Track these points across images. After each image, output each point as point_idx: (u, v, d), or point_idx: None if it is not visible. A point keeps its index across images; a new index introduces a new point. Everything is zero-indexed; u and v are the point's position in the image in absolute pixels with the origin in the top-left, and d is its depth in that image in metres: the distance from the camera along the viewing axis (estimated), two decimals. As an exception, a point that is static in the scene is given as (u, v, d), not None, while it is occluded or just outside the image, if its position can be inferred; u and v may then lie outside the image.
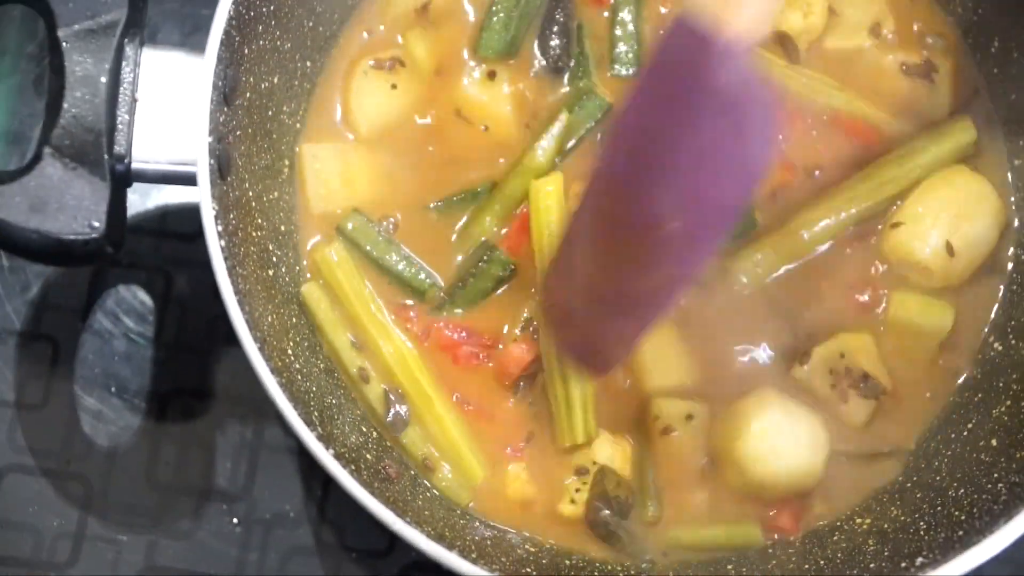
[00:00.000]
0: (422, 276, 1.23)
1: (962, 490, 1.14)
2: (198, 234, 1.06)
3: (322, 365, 1.19)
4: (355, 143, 1.27)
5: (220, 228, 1.06)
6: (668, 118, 1.02)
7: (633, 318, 1.12)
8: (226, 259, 1.05)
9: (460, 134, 1.26)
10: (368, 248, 1.23)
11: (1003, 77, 1.26)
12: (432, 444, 1.19)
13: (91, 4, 1.08)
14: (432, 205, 1.25)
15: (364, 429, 1.18)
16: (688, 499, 1.19)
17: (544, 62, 1.28)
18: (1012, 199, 1.25)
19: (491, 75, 1.27)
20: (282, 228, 1.22)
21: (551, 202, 1.20)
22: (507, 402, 1.21)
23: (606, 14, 1.29)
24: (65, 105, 1.07)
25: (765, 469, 1.15)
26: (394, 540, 1.24)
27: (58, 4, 1.08)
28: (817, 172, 1.25)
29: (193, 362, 1.32)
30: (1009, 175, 1.25)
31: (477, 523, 1.17)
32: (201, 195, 1.06)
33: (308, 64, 1.25)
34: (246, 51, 1.13)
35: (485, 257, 1.22)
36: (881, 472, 1.20)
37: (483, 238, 1.24)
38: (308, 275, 1.23)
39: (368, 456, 1.14)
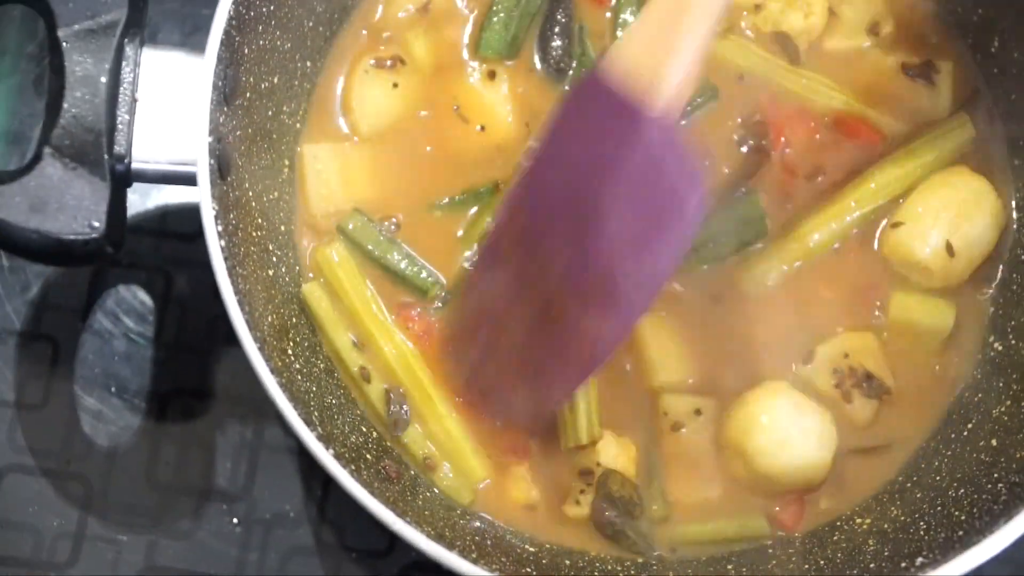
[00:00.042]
0: (424, 275, 1.23)
1: (962, 490, 1.14)
2: (198, 234, 1.06)
3: (322, 365, 1.19)
4: (355, 142, 1.27)
5: (220, 228, 1.06)
6: (584, 176, 1.04)
7: (554, 379, 1.13)
8: (226, 259, 1.05)
9: (459, 133, 1.26)
10: (370, 248, 1.23)
11: (1003, 77, 1.26)
12: (433, 443, 1.19)
13: (91, 4, 1.08)
14: (436, 204, 1.25)
15: (364, 429, 1.18)
16: (696, 495, 1.19)
17: (545, 63, 1.28)
18: (1012, 199, 1.25)
19: (491, 75, 1.27)
20: (282, 228, 1.22)
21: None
22: None
23: (608, 15, 1.29)
24: (65, 105, 1.07)
25: (773, 461, 1.15)
26: (394, 540, 1.24)
27: (58, 4, 1.08)
28: (820, 177, 1.25)
29: (193, 362, 1.32)
30: (1009, 175, 1.25)
31: (477, 523, 1.17)
32: (201, 195, 1.06)
33: (308, 64, 1.25)
34: (246, 51, 1.13)
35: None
36: (885, 465, 1.20)
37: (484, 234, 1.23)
38: (309, 275, 1.23)
39: (368, 456, 1.14)
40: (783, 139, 1.25)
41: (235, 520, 1.28)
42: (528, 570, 1.13)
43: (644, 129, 1.01)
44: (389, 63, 1.27)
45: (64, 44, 1.08)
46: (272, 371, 1.04)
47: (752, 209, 1.23)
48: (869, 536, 1.16)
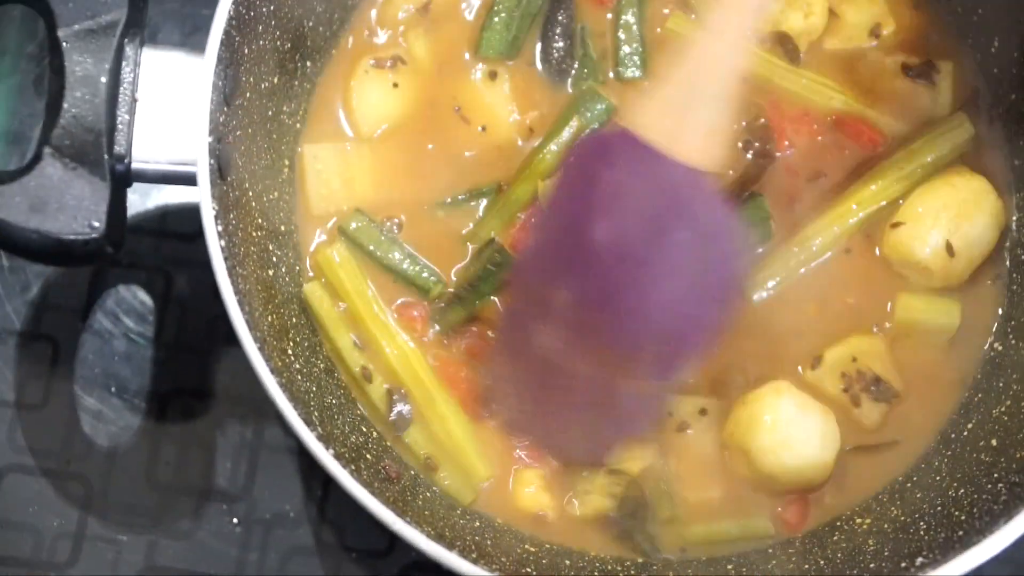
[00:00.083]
0: (426, 274, 1.23)
1: (962, 490, 1.14)
2: (198, 234, 1.06)
3: (322, 365, 1.19)
4: (356, 143, 1.27)
5: (220, 228, 1.06)
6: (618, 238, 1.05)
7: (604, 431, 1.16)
8: (226, 259, 1.05)
9: (460, 134, 1.26)
10: (371, 247, 1.23)
11: (1003, 77, 1.26)
12: (435, 443, 1.19)
13: (91, 4, 1.08)
14: (438, 204, 1.24)
15: (364, 429, 1.18)
16: (702, 495, 1.19)
17: (547, 63, 1.28)
18: (1012, 200, 1.25)
19: (492, 75, 1.27)
20: (282, 228, 1.22)
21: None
22: None
23: (609, 16, 1.29)
24: (65, 105, 1.07)
25: (776, 460, 1.15)
26: (394, 540, 1.24)
27: (58, 4, 1.08)
28: (822, 179, 1.25)
29: (193, 362, 1.32)
30: (1009, 175, 1.25)
31: (477, 523, 1.17)
32: (201, 195, 1.06)
33: (308, 64, 1.25)
34: (246, 51, 1.13)
35: (495, 259, 1.22)
36: (891, 462, 1.20)
37: (491, 236, 1.23)
38: (310, 275, 1.23)
39: (368, 456, 1.14)
40: (786, 141, 1.25)
41: (235, 520, 1.28)
42: (528, 570, 1.13)
43: (680, 192, 1.04)
44: (389, 63, 1.27)
45: (64, 44, 1.08)
46: (272, 371, 1.04)
47: (758, 212, 1.23)
48: (869, 536, 1.16)
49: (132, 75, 1.09)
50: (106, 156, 1.07)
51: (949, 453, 1.19)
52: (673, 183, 1.04)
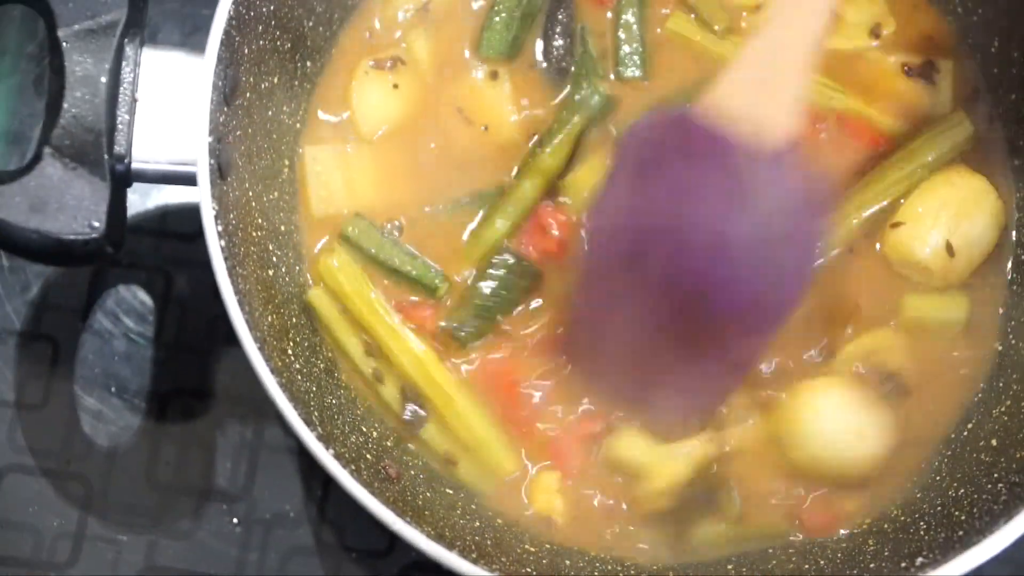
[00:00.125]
0: (431, 273, 1.22)
1: (962, 490, 1.14)
2: (198, 234, 1.06)
3: (322, 365, 1.19)
4: (357, 145, 1.26)
5: (220, 228, 1.06)
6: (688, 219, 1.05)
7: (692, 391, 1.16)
8: (226, 259, 1.05)
9: (462, 134, 1.26)
10: (373, 251, 1.23)
11: (1003, 77, 1.26)
12: (454, 439, 1.19)
13: (91, 4, 1.08)
14: (440, 207, 1.24)
15: (364, 429, 1.18)
16: (761, 487, 1.19)
17: (547, 62, 1.28)
18: (1012, 200, 1.25)
19: (493, 75, 1.27)
20: (282, 228, 1.22)
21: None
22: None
23: (609, 15, 1.29)
24: (65, 105, 1.07)
25: (829, 448, 1.15)
26: (394, 540, 1.24)
27: (58, 4, 1.08)
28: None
29: (193, 362, 1.32)
30: (1009, 175, 1.25)
31: (477, 523, 1.17)
32: (201, 195, 1.06)
33: (308, 64, 1.25)
34: (246, 51, 1.13)
35: (511, 272, 1.22)
36: (912, 462, 1.20)
37: (503, 247, 1.22)
38: (312, 280, 1.23)
39: (368, 456, 1.14)
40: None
41: (235, 520, 1.28)
42: (528, 570, 1.13)
43: (758, 168, 1.04)
44: (389, 64, 1.27)
45: (64, 44, 1.08)
46: (272, 371, 1.04)
47: None
48: (869, 536, 1.16)
49: (132, 75, 1.09)
50: (106, 156, 1.07)
51: (949, 453, 1.19)
52: (739, 159, 1.04)
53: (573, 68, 1.27)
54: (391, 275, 1.23)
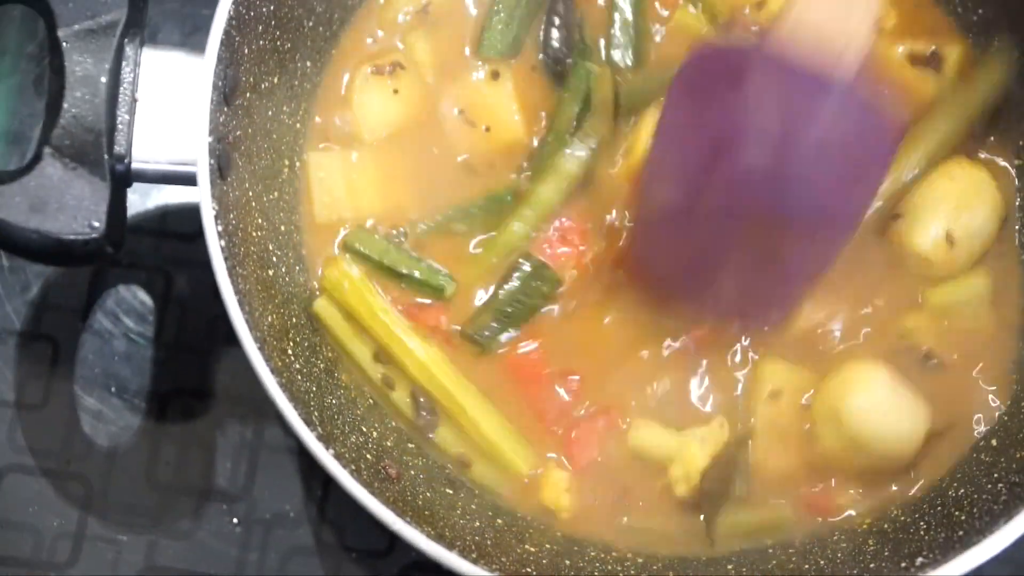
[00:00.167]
0: (440, 277, 1.22)
1: (962, 490, 1.14)
2: (198, 234, 1.06)
3: (322, 365, 1.19)
4: (360, 150, 1.26)
5: (220, 228, 1.06)
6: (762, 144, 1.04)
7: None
8: (226, 259, 1.05)
9: (465, 137, 1.26)
10: (377, 258, 1.22)
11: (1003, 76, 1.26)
12: (467, 441, 1.20)
13: (91, 4, 1.08)
14: (449, 212, 1.24)
15: (364, 429, 1.18)
16: (779, 465, 1.19)
17: (545, 55, 1.27)
18: (1015, 199, 1.25)
19: (494, 75, 1.27)
20: (282, 228, 1.22)
21: None
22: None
23: (601, 2, 1.29)
24: (65, 105, 1.07)
25: (866, 428, 1.15)
26: (394, 540, 1.24)
27: (58, 4, 1.08)
28: None
29: (193, 362, 1.32)
30: (1013, 172, 1.25)
31: (477, 522, 1.17)
32: (201, 195, 1.06)
33: (308, 64, 1.25)
34: (246, 51, 1.13)
35: (531, 277, 1.22)
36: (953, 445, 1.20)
37: (523, 252, 1.22)
38: (317, 288, 1.23)
39: (368, 456, 1.14)
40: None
41: (235, 520, 1.28)
42: (528, 570, 1.13)
43: (831, 94, 1.03)
44: (388, 69, 1.27)
45: (64, 44, 1.08)
46: (272, 371, 1.04)
47: None
48: (869, 536, 1.16)
49: (132, 75, 1.09)
50: (106, 156, 1.07)
51: (952, 461, 1.19)
52: (804, 80, 1.04)
53: (569, 59, 1.27)
54: (397, 279, 1.23)
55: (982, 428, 1.19)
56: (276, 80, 1.20)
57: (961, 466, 1.17)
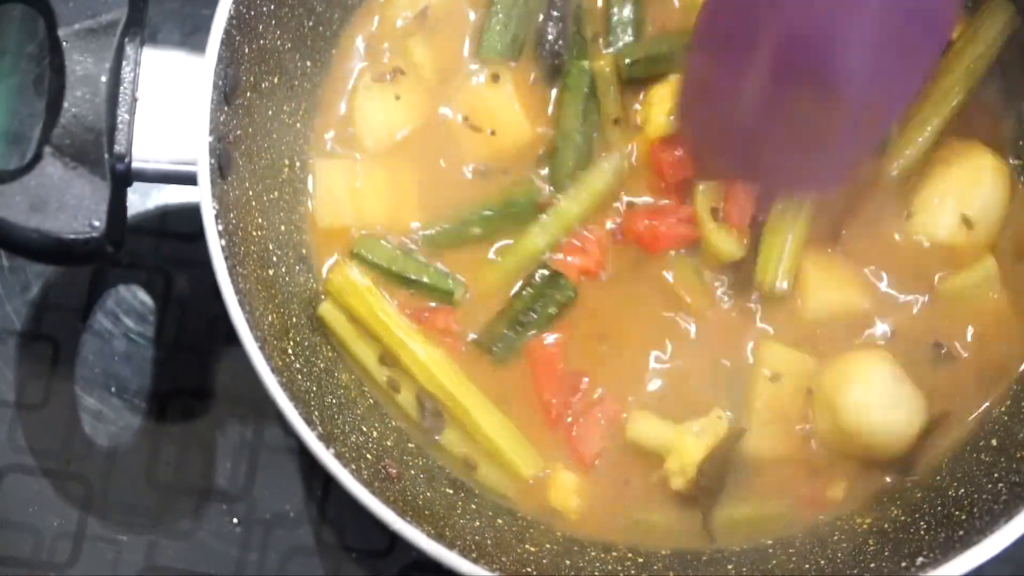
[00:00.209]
0: (447, 280, 1.23)
1: (962, 490, 1.14)
2: (198, 234, 1.06)
3: (322, 365, 1.19)
4: (365, 159, 1.26)
5: (220, 227, 1.06)
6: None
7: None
8: (226, 258, 1.06)
9: (471, 142, 1.26)
10: (384, 264, 1.22)
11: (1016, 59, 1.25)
12: (472, 444, 1.20)
13: (91, 3, 1.08)
14: (464, 216, 1.24)
15: (364, 428, 1.18)
16: (776, 450, 1.19)
17: (543, 50, 1.27)
18: (1020, 178, 1.25)
19: (494, 78, 1.27)
20: (282, 228, 1.22)
21: None
22: None
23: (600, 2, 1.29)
24: (65, 104, 1.07)
25: (862, 418, 1.15)
26: (394, 540, 1.25)
27: (58, 3, 1.08)
28: None
29: (193, 362, 1.32)
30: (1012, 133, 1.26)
31: (477, 522, 1.17)
32: (202, 194, 1.06)
33: (308, 64, 1.25)
34: (246, 50, 1.13)
35: (548, 287, 1.22)
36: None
37: (541, 262, 1.23)
38: (322, 292, 1.23)
39: (368, 456, 1.14)
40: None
41: (235, 520, 1.28)
42: (528, 570, 1.13)
43: None
44: (389, 76, 1.27)
45: (64, 43, 1.08)
46: (272, 370, 1.04)
47: None
48: (869, 536, 1.16)
49: (132, 74, 1.09)
50: (106, 155, 1.07)
51: (949, 453, 1.19)
52: None
53: (565, 52, 1.27)
54: (406, 285, 1.23)
55: (984, 422, 1.19)
56: (276, 80, 1.20)
57: (961, 466, 1.17)
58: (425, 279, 1.22)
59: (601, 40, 1.28)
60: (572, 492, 1.19)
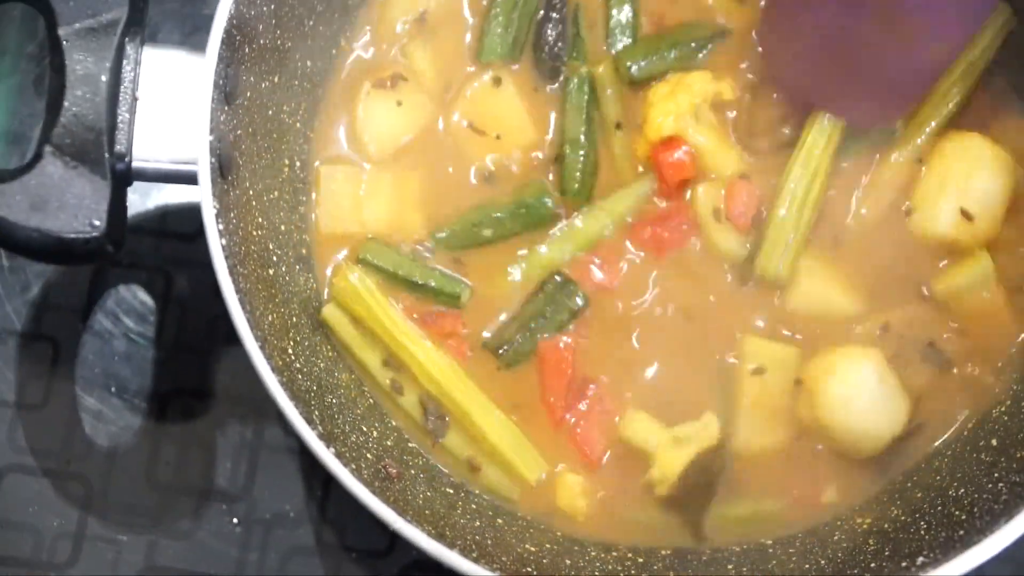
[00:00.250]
0: (453, 283, 1.23)
1: (962, 490, 1.14)
2: (198, 234, 1.06)
3: (322, 364, 1.19)
4: (370, 167, 1.26)
5: (221, 227, 1.06)
6: None
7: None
8: (227, 258, 1.06)
9: (477, 147, 1.26)
10: (390, 269, 1.22)
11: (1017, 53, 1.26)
12: (476, 446, 1.20)
13: (92, 3, 1.08)
14: (475, 217, 1.24)
15: (364, 428, 1.18)
16: (764, 441, 1.19)
17: (541, 51, 1.27)
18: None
19: (496, 81, 1.27)
20: (282, 228, 1.22)
21: None
22: None
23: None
24: (66, 104, 1.07)
25: (838, 417, 1.16)
26: (394, 540, 1.25)
27: (59, 3, 1.08)
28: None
29: (193, 362, 1.32)
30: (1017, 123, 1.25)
31: (478, 522, 1.17)
32: (202, 194, 1.06)
33: (308, 63, 1.25)
34: (247, 50, 1.13)
35: (560, 294, 1.22)
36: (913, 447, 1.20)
37: (556, 270, 1.23)
38: (325, 295, 1.23)
39: (368, 455, 1.14)
40: None
41: (235, 520, 1.28)
42: (528, 570, 1.13)
43: None
44: (390, 82, 1.27)
45: (65, 43, 1.08)
46: (273, 370, 1.04)
47: None
48: (869, 536, 1.16)
49: (133, 74, 1.09)
50: (107, 155, 1.07)
51: (949, 453, 1.19)
52: None
53: (564, 54, 1.27)
54: (412, 289, 1.23)
55: (984, 422, 1.19)
56: (276, 79, 1.20)
57: (961, 466, 1.17)
58: (432, 283, 1.22)
59: (601, 41, 1.28)
60: (579, 494, 1.19)
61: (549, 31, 1.27)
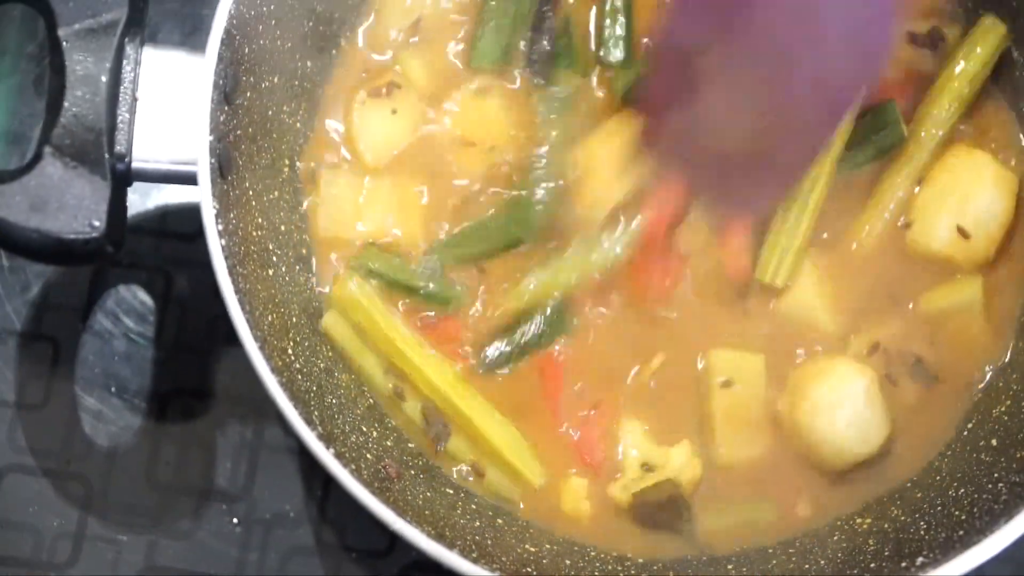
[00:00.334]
0: (448, 288, 1.23)
1: (962, 490, 1.14)
2: (198, 234, 1.06)
3: (322, 365, 1.19)
4: (368, 174, 1.26)
5: (221, 227, 1.06)
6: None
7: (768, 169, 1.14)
8: (226, 258, 1.06)
9: (469, 157, 1.26)
10: (388, 275, 1.22)
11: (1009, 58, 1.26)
12: (479, 452, 1.20)
13: (91, 3, 1.08)
14: (467, 229, 1.24)
15: (364, 429, 1.18)
16: (740, 454, 1.19)
17: (533, 59, 1.27)
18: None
19: (488, 92, 1.27)
20: (282, 228, 1.22)
21: None
22: None
23: (594, 12, 1.29)
24: (65, 104, 1.07)
25: (816, 435, 1.16)
26: (394, 540, 1.25)
27: (58, 3, 1.08)
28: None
29: (193, 362, 1.32)
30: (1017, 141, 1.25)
31: (477, 522, 1.17)
32: (202, 194, 1.06)
33: (308, 64, 1.25)
34: (246, 50, 1.13)
35: (553, 314, 1.22)
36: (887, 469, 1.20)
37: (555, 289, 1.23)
38: (325, 304, 1.23)
39: (368, 456, 1.14)
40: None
41: (235, 520, 1.28)
42: (528, 570, 1.13)
43: None
44: (384, 90, 1.27)
45: (64, 43, 1.08)
46: (272, 370, 1.04)
47: (888, 115, 1.23)
48: (869, 536, 1.16)
49: (132, 74, 1.09)
50: (107, 155, 1.07)
51: (949, 453, 1.19)
52: None
53: (556, 64, 1.27)
54: (411, 295, 1.23)
55: (984, 422, 1.19)
56: (276, 79, 1.20)
57: (961, 466, 1.17)
58: (431, 286, 1.22)
59: (593, 51, 1.28)
60: (584, 498, 1.19)
61: (543, 39, 1.27)
